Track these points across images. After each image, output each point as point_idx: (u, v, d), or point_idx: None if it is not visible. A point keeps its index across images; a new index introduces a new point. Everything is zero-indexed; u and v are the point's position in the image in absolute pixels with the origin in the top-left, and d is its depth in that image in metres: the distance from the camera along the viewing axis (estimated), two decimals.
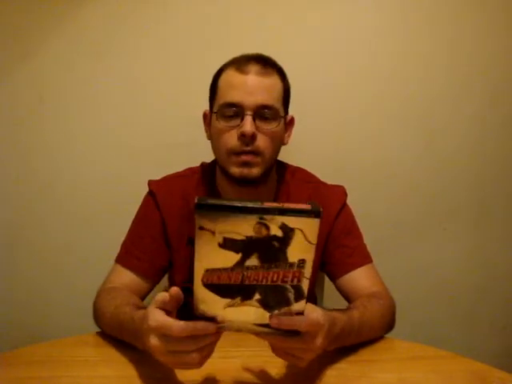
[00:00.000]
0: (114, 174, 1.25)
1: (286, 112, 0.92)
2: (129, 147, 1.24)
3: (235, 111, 0.84)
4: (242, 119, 0.83)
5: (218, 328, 0.56)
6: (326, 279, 1.01)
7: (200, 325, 0.55)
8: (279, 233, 0.50)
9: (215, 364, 0.69)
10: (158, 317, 0.57)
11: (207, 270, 0.53)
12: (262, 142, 0.84)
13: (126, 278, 0.90)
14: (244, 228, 0.50)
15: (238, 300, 0.55)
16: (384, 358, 0.75)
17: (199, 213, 0.50)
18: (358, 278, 0.90)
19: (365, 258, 0.93)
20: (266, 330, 0.57)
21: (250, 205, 0.49)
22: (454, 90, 1.26)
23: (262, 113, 0.84)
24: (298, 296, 0.55)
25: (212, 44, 1.19)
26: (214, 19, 1.19)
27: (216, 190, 0.96)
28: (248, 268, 0.52)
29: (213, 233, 0.50)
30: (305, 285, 0.54)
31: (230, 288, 0.54)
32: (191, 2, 1.19)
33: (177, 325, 0.55)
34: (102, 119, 1.23)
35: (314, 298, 1.12)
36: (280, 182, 0.97)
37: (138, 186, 0.99)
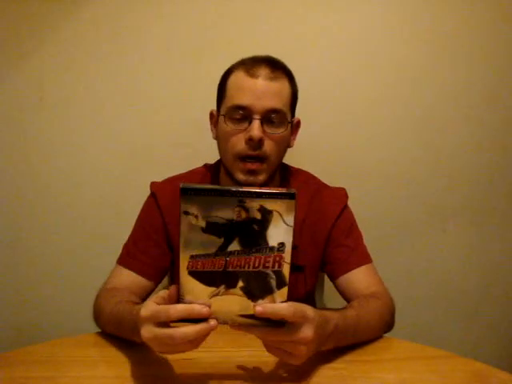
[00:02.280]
0: (114, 175, 1.25)
1: (293, 115, 0.92)
2: (130, 147, 1.24)
3: (243, 114, 0.84)
4: (250, 123, 0.83)
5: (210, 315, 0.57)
6: (326, 279, 1.01)
7: (196, 307, 0.56)
8: (258, 215, 0.53)
9: (215, 364, 0.70)
10: (149, 306, 0.59)
11: (192, 257, 0.55)
12: (268, 147, 0.84)
13: (127, 278, 0.90)
14: (225, 211, 0.53)
15: (222, 288, 0.57)
16: (383, 357, 0.75)
17: (184, 197, 0.53)
18: (358, 278, 0.90)
19: (364, 258, 0.93)
20: (251, 321, 0.58)
21: (230, 188, 0.53)
22: (454, 91, 1.26)
23: (269, 117, 0.84)
24: (280, 282, 0.57)
25: (214, 45, 1.19)
26: (216, 20, 1.19)
27: None
28: (230, 253, 0.55)
29: (196, 217, 0.53)
30: (286, 270, 0.56)
31: (214, 275, 0.56)
32: (193, 2, 1.19)
33: (171, 308, 0.56)
34: (102, 119, 1.23)
35: (313, 303, 1.12)
36: (282, 183, 0.97)
37: (140, 187, 0.99)
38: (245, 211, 0.53)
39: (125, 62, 1.21)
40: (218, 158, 0.96)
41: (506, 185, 1.31)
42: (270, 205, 0.53)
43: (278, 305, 0.57)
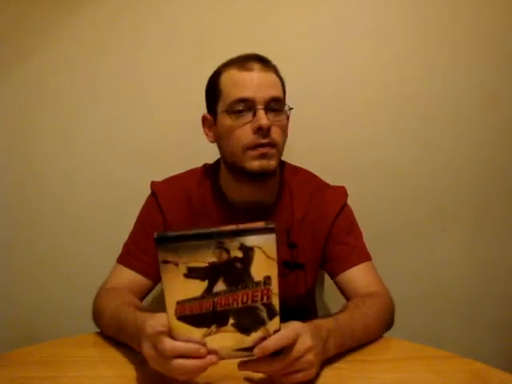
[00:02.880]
0: (114, 174, 1.25)
1: None
2: (130, 147, 1.24)
3: (246, 106, 0.85)
4: (255, 114, 0.84)
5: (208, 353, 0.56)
6: (327, 277, 1.01)
7: (192, 347, 0.56)
8: (239, 254, 0.52)
9: (214, 367, 0.70)
10: (156, 325, 0.58)
11: (178, 303, 0.54)
12: (276, 134, 0.86)
13: (127, 277, 0.90)
14: (205, 255, 0.52)
15: (213, 328, 0.56)
16: (382, 357, 0.75)
17: (160, 247, 0.51)
18: (357, 276, 0.90)
19: (364, 256, 0.94)
20: (247, 353, 0.58)
21: (206, 230, 0.52)
22: (454, 91, 1.26)
23: (272, 106, 0.86)
24: (271, 313, 0.56)
25: (212, 45, 1.19)
26: (216, 20, 1.19)
27: (220, 190, 0.96)
28: (217, 294, 0.54)
29: (176, 264, 0.52)
30: (275, 301, 0.55)
31: (204, 317, 0.55)
32: (192, 2, 1.19)
33: (169, 342, 0.56)
34: (102, 119, 1.23)
35: (313, 301, 1.12)
36: (282, 180, 0.98)
37: (140, 187, 0.99)
38: (225, 252, 0.52)
39: (125, 62, 1.21)
40: (218, 157, 0.96)
41: (506, 185, 1.31)
42: (250, 241, 0.52)
43: (273, 340, 0.56)
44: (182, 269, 0.52)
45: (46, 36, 1.19)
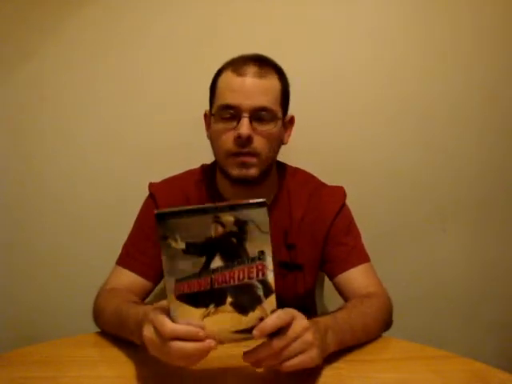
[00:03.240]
0: (114, 175, 1.25)
1: (286, 112, 0.92)
2: (130, 147, 1.24)
3: (232, 113, 0.84)
4: (239, 121, 0.84)
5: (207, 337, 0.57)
6: (326, 279, 1.01)
7: (192, 329, 0.56)
8: (235, 228, 0.55)
9: (215, 363, 0.70)
10: (157, 310, 0.59)
11: (177, 281, 0.56)
12: (258, 143, 0.85)
13: (127, 278, 0.90)
14: (202, 229, 0.54)
15: (212, 308, 0.57)
16: (382, 357, 0.75)
17: (160, 223, 0.54)
18: (355, 277, 0.90)
19: (362, 258, 0.94)
20: (245, 335, 0.59)
21: (203, 206, 0.54)
22: (454, 91, 1.25)
23: (258, 115, 0.84)
24: (267, 291, 0.57)
25: (212, 44, 1.19)
26: (217, 20, 1.19)
27: (217, 191, 0.96)
28: (214, 271, 0.56)
29: (175, 240, 0.54)
30: (270, 278, 0.57)
31: (202, 296, 0.56)
32: (192, 2, 1.19)
33: (169, 323, 0.57)
34: (102, 119, 1.23)
35: (313, 302, 1.12)
36: (280, 182, 0.98)
37: (140, 187, 0.99)
38: (221, 226, 0.54)
39: (124, 62, 1.21)
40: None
41: (506, 185, 1.31)
42: (243, 215, 0.54)
43: (270, 320, 0.58)
44: (181, 244, 0.54)
45: (46, 36, 1.19)
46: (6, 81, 1.21)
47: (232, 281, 0.56)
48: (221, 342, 0.59)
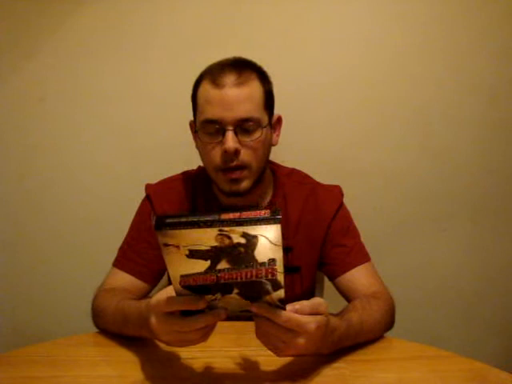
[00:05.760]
0: (114, 175, 1.25)
1: (272, 113, 0.90)
2: (129, 147, 1.24)
3: (216, 128, 0.83)
4: (224, 135, 0.82)
5: (208, 303, 0.57)
6: (326, 279, 1.01)
7: (189, 299, 0.57)
8: (242, 240, 0.50)
9: (215, 363, 0.70)
10: (158, 296, 0.60)
11: (182, 276, 0.54)
12: (246, 155, 0.83)
13: (123, 280, 0.90)
14: (206, 239, 0.50)
15: (218, 295, 0.57)
16: (383, 357, 0.75)
17: (159, 232, 0.50)
18: (357, 277, 0.90)
19: (363, 257, 0.93)
20: (251, 314, 0.59)
21: (207, 218, 0.49)
22: (452, 90, 1.25)
23: (243, 126, 0.82)
24: (275, 286, 0.56)
25: (212, 44, 1.19)
26: (217, 20, 1.19)
27: (213, 193, 0.95)
28: (220, 270, 0.53)
29: (177, 247, 0.51)
30: (280, 277, 0.54)
31: (208, 287, 0.55)
32: (192, 2, 1.19)
33: (167, 298, 0.58)
34: (102, 120, 1.23)
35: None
36: (276, 184, 0.97)
37: (140, 187, 0.99)
38: (227, 238, 0.50)
39: (124, 62, 1.21)
40: None
41: (506, 184, 1.31)
42: (253, 230, 0.49)
43: (307, 302, 0.60)
44: (184, 251, 0.52)
45: (46, 36, 1.19)
46: (6, 81, 1.21)
47: (239, 278, 0.54)
48: (227, 314, 0.59)
